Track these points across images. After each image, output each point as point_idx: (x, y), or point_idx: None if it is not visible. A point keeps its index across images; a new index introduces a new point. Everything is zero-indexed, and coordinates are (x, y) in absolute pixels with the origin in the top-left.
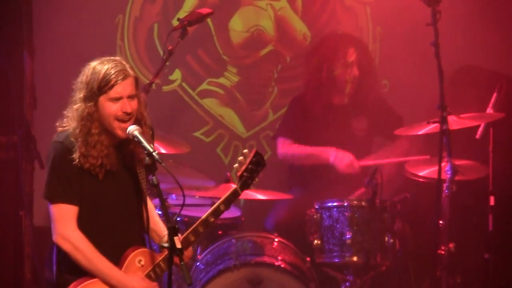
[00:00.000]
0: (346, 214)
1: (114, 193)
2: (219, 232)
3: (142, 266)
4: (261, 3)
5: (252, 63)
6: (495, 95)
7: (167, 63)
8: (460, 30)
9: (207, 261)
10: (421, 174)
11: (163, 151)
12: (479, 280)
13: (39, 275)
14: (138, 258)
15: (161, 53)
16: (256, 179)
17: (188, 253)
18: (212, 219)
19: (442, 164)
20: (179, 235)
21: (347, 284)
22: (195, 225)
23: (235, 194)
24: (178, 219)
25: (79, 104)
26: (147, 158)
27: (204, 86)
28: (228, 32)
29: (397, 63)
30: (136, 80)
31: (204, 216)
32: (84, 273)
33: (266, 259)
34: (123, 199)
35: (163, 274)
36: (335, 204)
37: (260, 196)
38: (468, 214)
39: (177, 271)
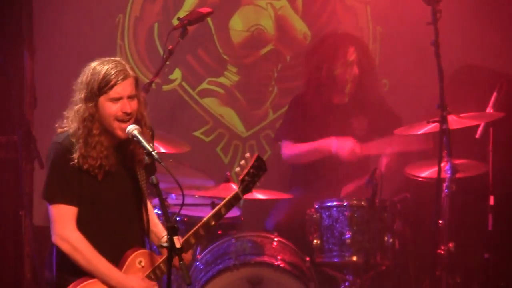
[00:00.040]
0: (346, 213)
1: (113, 194)
2: (219, 232)
3: (142, 267)
4: (261, 2)
5: (252, 63)
6: (495, 94)
7: (167, 63)
8: (460, 29)
9: (207, 261)
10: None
11: (163, 150)
12: (479, 280)
13: (39, 275)
14: (138, 259)
15: (161, 52)
16: (258, 184)
17: (187, 256)
18: (213, 222)
19: (442, 164)
20: (179, 236)
21: (347, 283)
22: (196, 227)
23: (236, 198)
24: (177, 218)
25: (80, 105)
26: (146, 158)
27: (204, 85)
28: (228, 31)
29: (397, 62)
30: (136, 80)
31: (205, 219)
32: (84, 273)
33: (265, 258)
34: (122, 200)
35: (163, 275)
36: (334, 203)
37: (260, 196)
38: (468, 213)
39: (177, 271)
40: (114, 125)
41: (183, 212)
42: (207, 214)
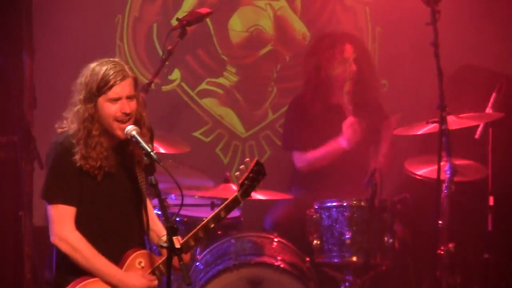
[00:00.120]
0: (346, 214)
1: (112, 194)
2: (219, 232)
3: (142, 267)
4: (260, 3)
5: (252, 63)
6: (494, 95)
7: (167, 63)
8: (459, 29)
9: (207, 261)
10: (420, 173)
11: (162, 151)
12: (479, 280)
13: (39, 275)
14: (138, 259)
15: (161, 53)
16: (257, 188)
17: (186, 257)
18: (213, 225)
19: (442, 164)
20: (179, 236)
21: (347, 284)
22: (195, 230)
23: (235, 202)
24: (177, 219)
25: (79, 106)
26: (145, 158)
27: (203, 86)
28: (228, 31)
29: (397, 63)
30: (135, 80)
31: (204, 221)
32: (84, 273)
33: (265, 259)
34: (122, 201)
35: (162, 277)
36: (334, 204)
37: (260, 196)
38: (468, 214)
39: (177, 271)
40: (114, 125)
41: (182, 212)
42: (206, 214)
